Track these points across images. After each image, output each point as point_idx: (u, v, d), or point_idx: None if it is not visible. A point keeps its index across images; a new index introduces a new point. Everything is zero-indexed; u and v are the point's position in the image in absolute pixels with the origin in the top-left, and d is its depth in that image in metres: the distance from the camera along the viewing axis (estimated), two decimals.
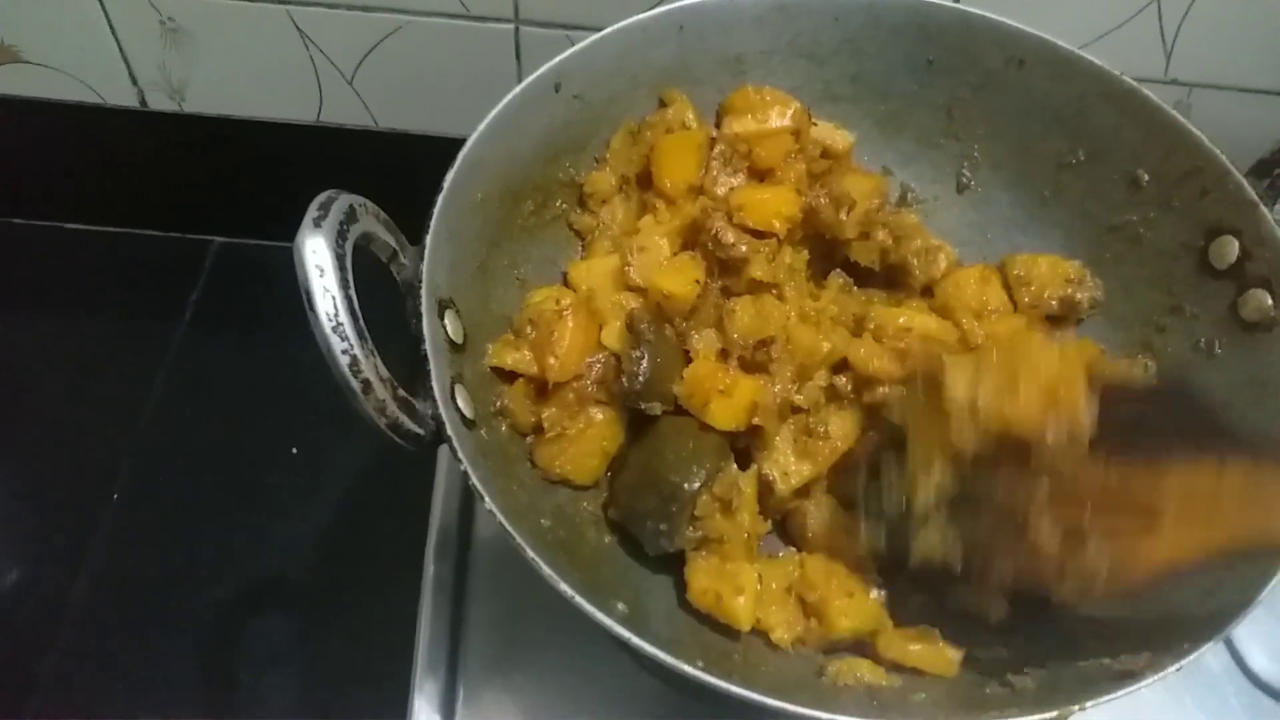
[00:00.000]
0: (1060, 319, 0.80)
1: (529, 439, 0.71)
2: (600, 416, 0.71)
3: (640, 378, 0.68)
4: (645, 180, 0.81)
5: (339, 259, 0.55)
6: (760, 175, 0.80)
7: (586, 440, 0.70)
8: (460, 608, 0.81)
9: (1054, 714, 0.54)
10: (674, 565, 0.68)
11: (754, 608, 0.64)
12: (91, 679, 1.02)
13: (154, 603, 1.06)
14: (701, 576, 0.65)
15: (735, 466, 0.69)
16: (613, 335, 0.72)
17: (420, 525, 0.86)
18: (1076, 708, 0.54)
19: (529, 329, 0.72)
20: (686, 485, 0.65)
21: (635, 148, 0.81)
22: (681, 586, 0.67)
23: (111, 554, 1.09)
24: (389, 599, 0.87)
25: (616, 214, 0.81)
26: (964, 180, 0.87)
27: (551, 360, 0.70)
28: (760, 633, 0.65)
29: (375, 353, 0.56)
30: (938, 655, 0.64)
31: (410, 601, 0.82)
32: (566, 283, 0.79)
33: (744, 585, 0.64)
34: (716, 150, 0.80)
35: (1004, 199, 0.86)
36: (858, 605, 0.66)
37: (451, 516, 0.86)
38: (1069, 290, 0.79)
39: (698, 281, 0.71)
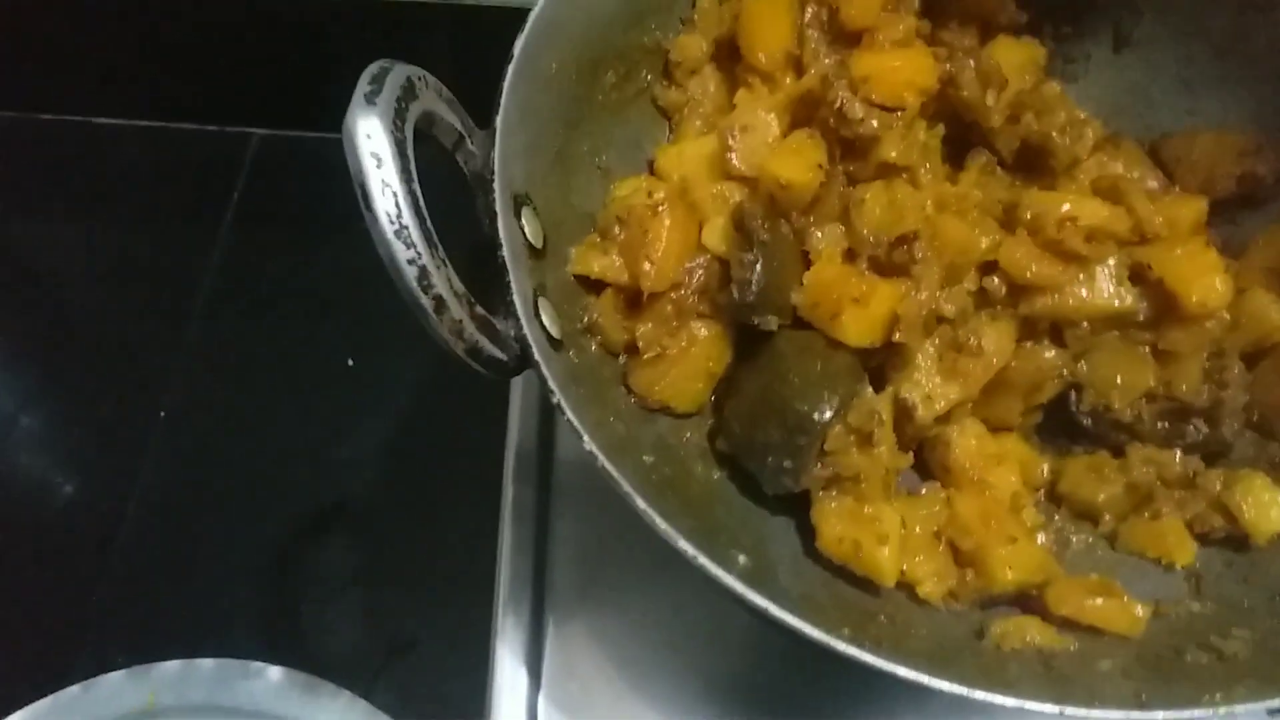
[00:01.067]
0: (1245, 199, 0.67)
1: (621, 359, 0.61)
2: (704, 333, 0.61)
3: (753, 286, 0.57)
4: (734, 51, 0.68)
5: (398, 145, 0.45)
6: (854, 38, 0.67)
7: (689, 360, 0.60)
8: (543, 538, 0.74)
9: None
10: (798, 503, 0.58)
11: (899, 557, 0.55)
12: (146, 608, 0.98)
13: (207, 528, 1.01)
14: (835, 521, 0.56)
15: (871, 391, 0.58)
16: (715, 234, 0.61)
17: (495, 444, 0.78)
18: None
19: (616, 229, 0.61)
20: (816, 415, 0.55)
21: (727, 4, 0.68)
22: (808, 529, 0.57)
23: (161, 477, 1.03)
24: (461, 522, 0.81)
25: (709, 87, 0.69)
26: (1124, 32, 0.72)
27: (647, 266, 0.59)
28: (905, 585, 0.56)
29: (447, 262, 0.46)
30: (1121, 610, 0.54)
31: (488, 527, 0.75)
32: (653, 172, 0.67)
33: (887, 531, 0.54)
34: (809, 14, 0.67)
35: (1172, 54, 0.71)
36: (1023, 553, 0.55)
37: (530, 434, 0.78)
38: (1247, 164, 0.66)
39: (820, 166, 0.60)
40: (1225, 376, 0.60)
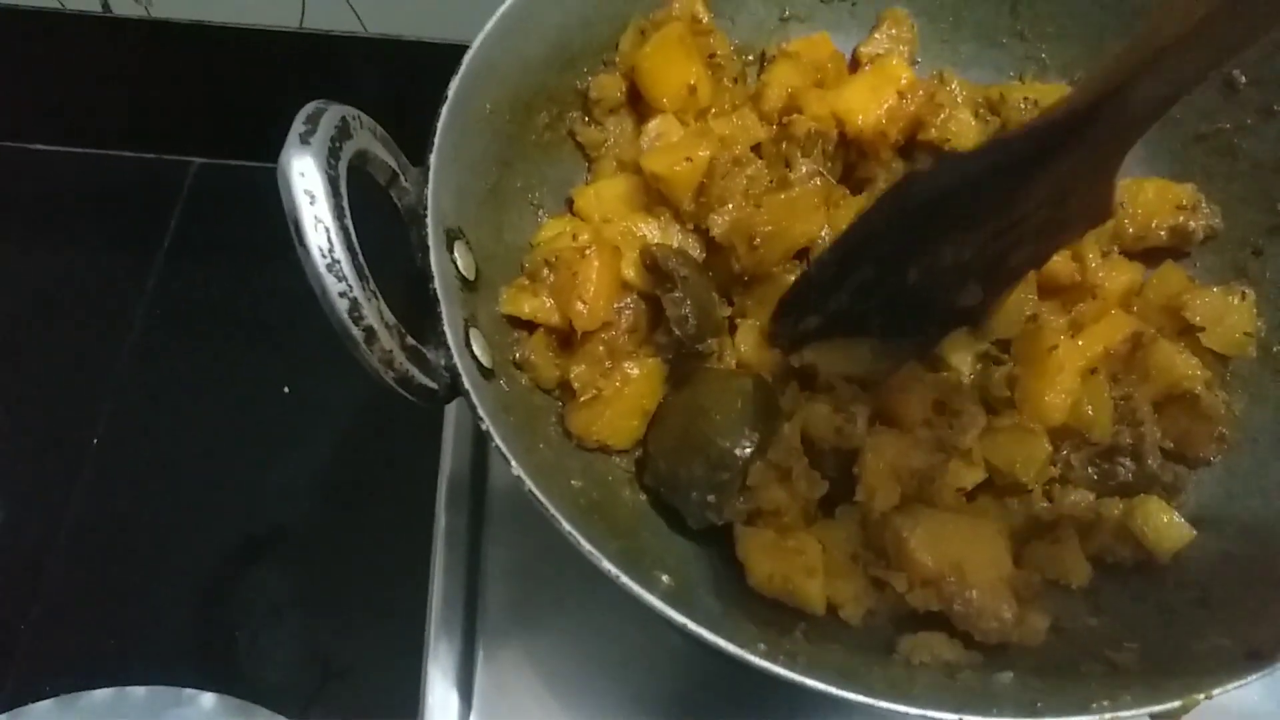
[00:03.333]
0: (1168, 250, 0.71)
1: (556, 397, 0.63)
2: (636, 371, 0.63)
3: (690, 319, 0.60)
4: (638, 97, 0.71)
5: (332, 182, 0.47)
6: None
7: (624, 401, 0.62)
8: (475, 563, 0.74)
9: (1176, 704, 0.47)
10: (720, 529, 0.60)
11: (825, 586, 0.57)
12: (76, 636, 0.98)
13: (141, 554, 1.01)
14: (762, 558, 0.57)
15: (788, 428, 0.60)
16: (633, 268, 0.63)
17: (428, 469, 0.78)
18: (1201, 696, 0.47)
19: (545, 271, 0.63)
20: (738, 451, 0.57)
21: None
22: (727, 548, 0.59)
23: (95, 503, 1.03)
24: (394, 547, 0.81)
25: (625, 126, 0.72)
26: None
27: (579, 306, 0.61)
28: (829, 608, 0.58)
29: (378, 294, 0.48)
30: (1022, 625, 0.56)
31: (421, 553, 0.75)
32: (573, 212, 0.69)
33: (814, 563, 0.56)
34: None
35: None
36: None
37: (464, 463, 0.78)
38: (1180, 218, 0.69)
39: (689, 160, 0.64)
40: (1138, 415, 0.63)
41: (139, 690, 0.90)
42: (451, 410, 0.81)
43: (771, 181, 0.67)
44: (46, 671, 0.93)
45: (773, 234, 0.63)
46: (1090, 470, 0.64)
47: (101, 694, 0.89)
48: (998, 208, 0.57)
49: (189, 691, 0.90)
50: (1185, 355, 0.64)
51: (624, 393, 0.62)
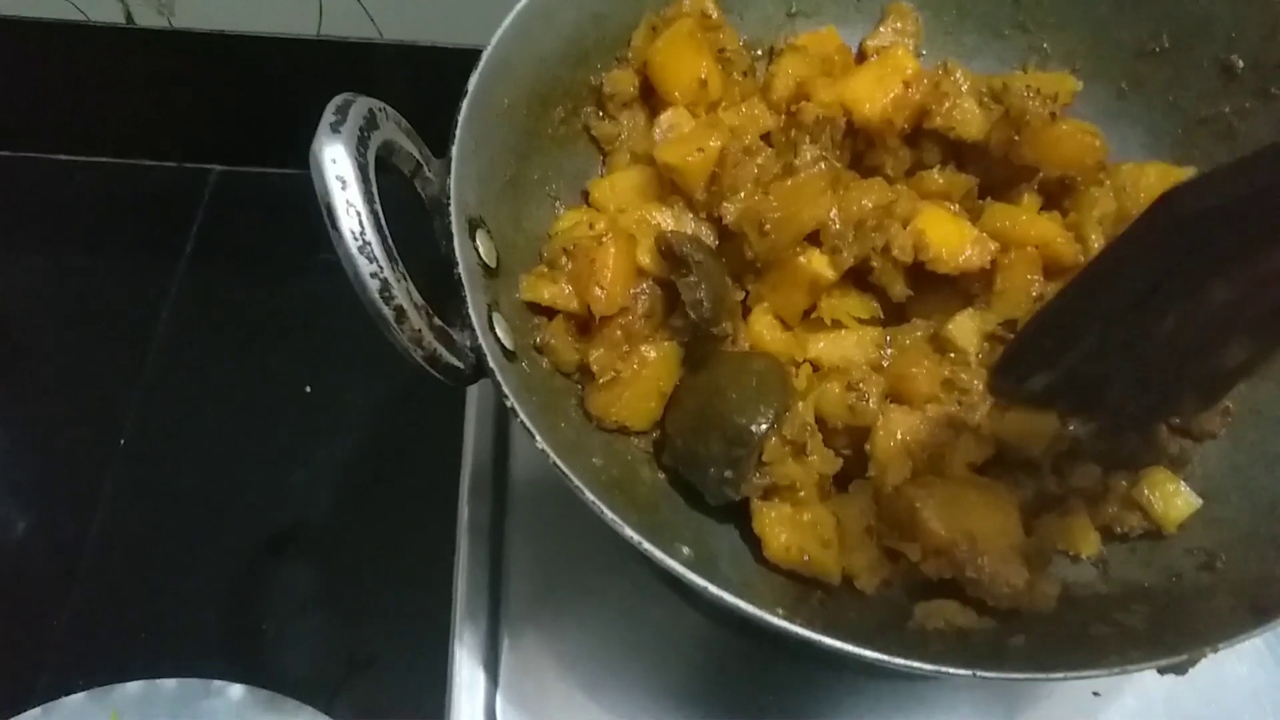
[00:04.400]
0: None
1: (576, 381, 0.65)
2: (654, 354, 0.64)
3: (705, 303, 0.61)
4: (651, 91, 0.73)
5: (361, 169, 0.49)
6: None
7: (642, 382, 0.64)
8: (498, 552, 0.76)
9: (1183, 658, 0.48)
10: (738, 505, 0.62)
11: (841, 557, 0.59)
12: (108, 632, 0.99)
13: (169, 552, 1.03)
14: (779, 531, 0.59)
15: (802, 405, 0.62)
16: (649, 255, 0.65)
17: (450, 465, 0.80)
18: (1208, 649, 0.48)
19: (564, 259, 0.65)
20: (754, 427, 0.59)
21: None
22: (745, 524, 0.61)
23: (122, 502, 1.05)
24: (420, 544, 0.82)
25: (639, 120, 0.74)
26: None
27: (597, 291, 0.63)
28: (844, 578, 0.60)
29: (407, 276, 0.50)
30: (1032, 591, 0.58)
31: (444, 546, 0.77)
32: (589, 203, 0.72)
33: (829, 535, 0.59)
34: None
35: (1077, 95, 0.78)
36: None
37: (485, 455, 0.80)
38: None
39: (701, 150, 0.66)
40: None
41: (169, 683, 0.91)
42: (473, 405, 0.83)
43: (781, 169, 0.69)
44: (79, 666, 0.95)
45: (782, 219, 0.64)
46: (1098, 444, 0.65)
47: (133, 686, 0.91)
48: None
49: (218, 683, 0.91)
50: None
51: (642, 375, 0.64)
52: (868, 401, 0.62)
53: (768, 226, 0.65)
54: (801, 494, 0.61)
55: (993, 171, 0.73)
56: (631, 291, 0.65)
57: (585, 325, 0.64)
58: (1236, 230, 0.45)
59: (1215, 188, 0.46)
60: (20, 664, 0.97)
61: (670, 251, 0.64)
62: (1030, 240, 0.68)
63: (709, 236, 0.68)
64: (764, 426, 0.59)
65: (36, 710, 0.90)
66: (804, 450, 0.61)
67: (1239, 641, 0.49)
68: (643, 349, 0.65)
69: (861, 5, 0.79)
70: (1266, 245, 0.45)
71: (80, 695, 0.91)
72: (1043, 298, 0.67)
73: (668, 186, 0.69)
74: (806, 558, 0.58)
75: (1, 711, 0.90)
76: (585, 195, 0.72)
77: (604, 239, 0.64)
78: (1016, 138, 0.71)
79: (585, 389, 0.64)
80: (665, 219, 0.69)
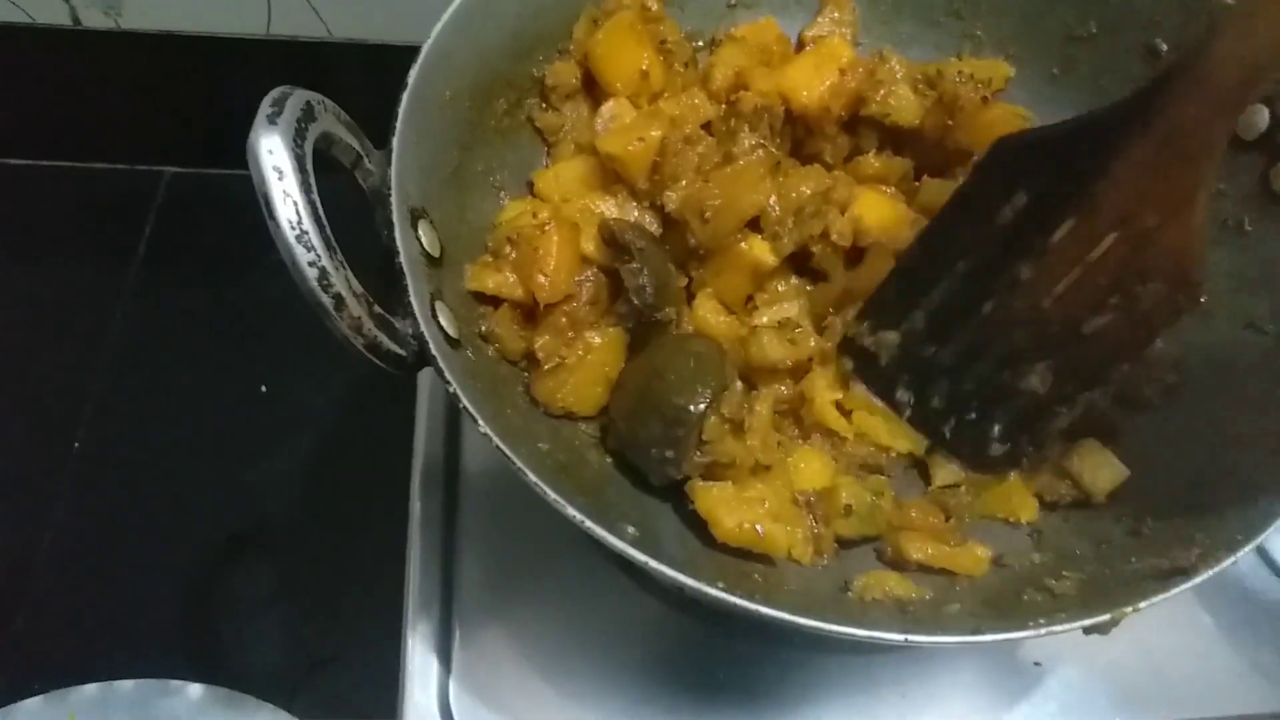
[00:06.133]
0: None
1: (520, 365, 0.66)
2: (598, 340, 0.66)
3: (648, 289, 0.63)
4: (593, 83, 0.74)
5: (298, 159, 0.50)
6: None
7: (588, 368, 0.65)
8: (451, 544, 0.76)
9: (1105, 617, 0.50)
10: (678, 487, 0.63)
11: (790, 530, 0.60)
12: (65, 634, 0.98)
13: (126, 554, 1.02)
14: (726, 511, 0.60)
15: (740, 384, 0.64)
16: (593, 244, 0.67)
17: (403, 460, 0.80)
18: (1129, 609, 0.50)
19: (508, 249, 0.66)
20: (692, 407, 0.60)
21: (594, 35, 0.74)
22: (685, 505, 0.62)
23: (78, 505, 1.04)
24: (375, 539, 0.82)
25: (581, 111, 0.75)
26: None
27: (541, 279, 0.64)
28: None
29: (345, 265, 0.51)
30: (965, 553, 0.60)
31: (398, 540, 0.77)
32: (534, 194, 0.73)
33: (776, 509, 0.60)
34: None
35: (1010, 80, 0.80)
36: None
37: (436, 449, 0.80)
38: None
39: (642, 140, 0.68)
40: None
41: (127, 684, 0.90)
42: (424, 400, 0.83)
43: (721, 158, 0.70)
44: (35, 670, 0.93)
45: (722, 206, 0.66)
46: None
47: (90, 689, 0.90)
48: (1077, 198, 0.55)
49: (176, 683, 0.91)
50: None
51: (587, 360, 0.65)
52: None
53: (708, 214, 0.66)
54: (739, 471, 0.62)
55: (929, 156, 0.75)
56: (576, 279, 0.66)
57: (530, 313, 0.66)
58: (1052, 161, 0.55)
59: (1025, 135, 0.59)
60: None
61: (613, 239, 0.65)
62: None
63: (652, 224, 0.70)
64: (702, 406, 0.60)
65: None
66: (742, 428, 0.62)
67: (1160, 600, 0.51)
68: (588, 335, 0.66)
69: None
70: (1064, 209, 0.55)
71: (36, 699, 0.90)
72: None
73: (611, 176, 0.71)
74: (761, 531, 0.59)
75: None
76: (530, 186, 0.73)
77: (547, 227, 0.65)
78: (950, 122, 0.73)
79: (531, 375, 0.65)
80: (609, 208, 0.70)
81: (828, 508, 0.62)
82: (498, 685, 0.69)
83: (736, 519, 0.60)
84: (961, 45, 0.80)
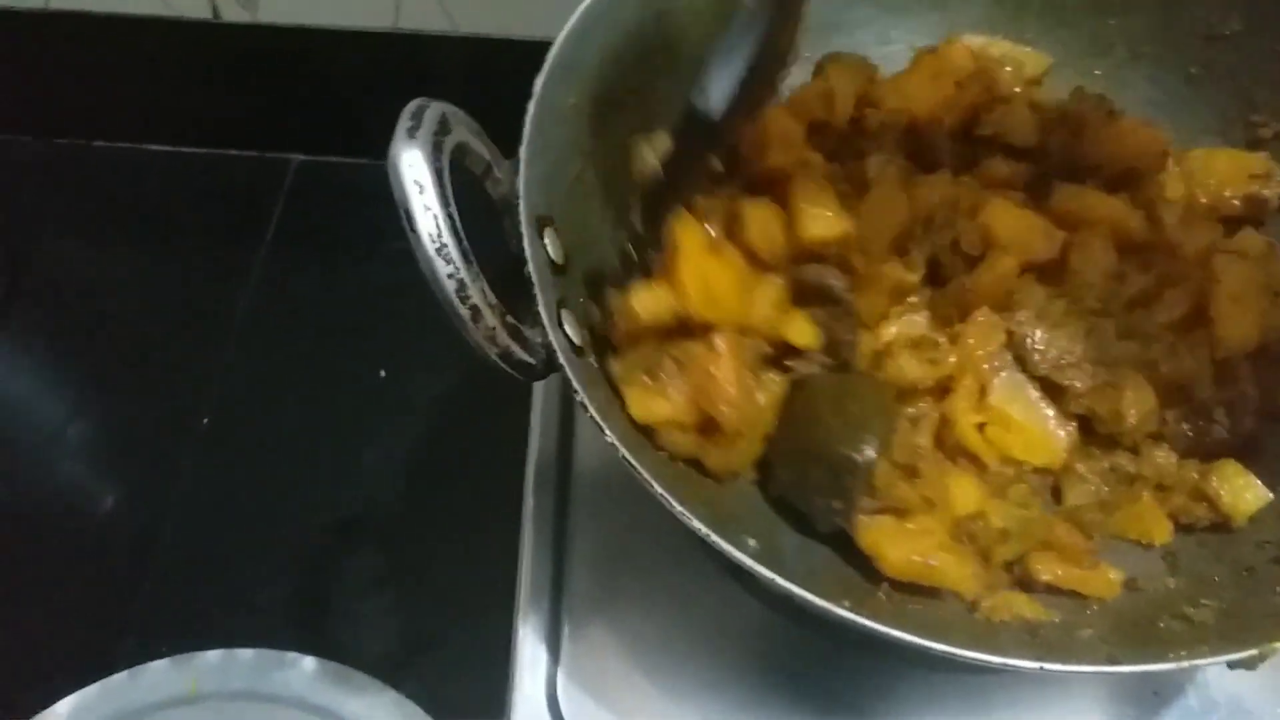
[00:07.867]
0: (1243, 220, 0.71)
1: None
2: (763, 400, 0.60)
3: (850, 341, 0.61)
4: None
5: (437, 173, 0.50)
6: None
7: (753, 440, 0.61)
8: (561, 540, 0.77)
9: (1253, 652, 0.48)
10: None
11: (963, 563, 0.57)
12: (186, 607, 1.03)
13: (244, 530, 1.06)
14: (890, 545, 0.57)
15: (909, 424, 0.61)
16: (807, 333, 0.61)
17: (517, 452, 0.81)
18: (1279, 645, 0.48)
19: (668, 367, 0.59)
20: (859, 457, 0.57)
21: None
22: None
23: (201, 482, 1.08)
24: (483, 528, 0.83)
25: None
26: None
27: (725, 409, 0.57)
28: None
29: (481, 276, 0.51)
30: (1096, 575, 0.59)
31: (509, 533, 0.78)
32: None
33: (944, 541, 0.57)
34: None
35: (1143, 80, 0.77)
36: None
37: (550, 445, 0.81)
38: (1254, 187, 0.70)
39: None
40: (1237, 372, 0.63)
41: (247, 652, 0.94)
42: (539, 396, 0.84)
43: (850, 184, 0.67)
44: (161, 634, 0.98)
45: (869, 236, 0.63)
46: (1184, 427, 0.64)
47: (213, 654, 0.94)
48: None
49: (291, 655, 0.94)
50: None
51: (754, 431, 0.61)
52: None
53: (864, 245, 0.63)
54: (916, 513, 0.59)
55: (1055, 166, 0.72)
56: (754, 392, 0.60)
57: (708, 426, 0.59)
58: None
59: None
60: (107, 632, 1.00)
61: (814, 288, 0.62)
62: (1100, 218, 0.67)
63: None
64: (871, 454, 0.57)
65: (123, 675, 0.94)
66: (916, 472, 0.60)
67: None
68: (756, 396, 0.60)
69: None
70: None
71: (163, 662, 0.94)
72: (1121, 276, 0.66)
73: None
74: (934, 569, 0.57)
75: (90, 672, 0.94)
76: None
77: (716, 345, 0.58)
78: (1075, 139, 0.70)
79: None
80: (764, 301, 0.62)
81: (981, 532, 0.60)
82: (603, 679, 0.69)
83: (904, 552, 0.57)
84: (1090, 44, 0.77)
